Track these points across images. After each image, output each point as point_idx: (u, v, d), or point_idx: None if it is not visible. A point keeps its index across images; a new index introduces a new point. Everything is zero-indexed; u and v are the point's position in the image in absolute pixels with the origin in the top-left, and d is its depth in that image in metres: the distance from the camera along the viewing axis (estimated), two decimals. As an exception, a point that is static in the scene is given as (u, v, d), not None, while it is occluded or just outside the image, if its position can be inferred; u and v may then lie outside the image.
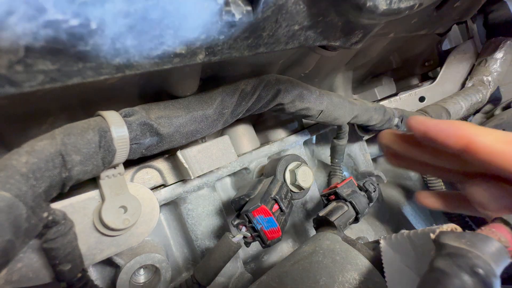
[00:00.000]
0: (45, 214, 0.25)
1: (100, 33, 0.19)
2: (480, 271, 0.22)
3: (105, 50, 0.20)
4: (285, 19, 0.27)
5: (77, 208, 0.31)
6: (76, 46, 0.19)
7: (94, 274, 0.40)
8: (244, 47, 0.27)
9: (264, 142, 0.59)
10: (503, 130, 0.59)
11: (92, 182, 0.33)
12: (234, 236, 0.36)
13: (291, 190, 0.45)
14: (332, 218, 0.46)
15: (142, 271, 0.42)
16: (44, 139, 0.25)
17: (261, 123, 0.61)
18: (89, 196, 0.32)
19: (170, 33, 0.22)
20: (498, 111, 0.67)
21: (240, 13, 0.24)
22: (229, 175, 0.53)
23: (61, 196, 0.29)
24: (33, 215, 0.24)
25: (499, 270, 0.23)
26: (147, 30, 0.21)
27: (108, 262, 0.39)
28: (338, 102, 0.48)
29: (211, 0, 0.22)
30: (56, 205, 0.30)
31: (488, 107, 0.72)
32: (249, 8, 0.24)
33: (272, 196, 0.38)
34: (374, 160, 0.92)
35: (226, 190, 0.54)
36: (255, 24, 0.25)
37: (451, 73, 0.74)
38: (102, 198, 0.32)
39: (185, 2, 0.21)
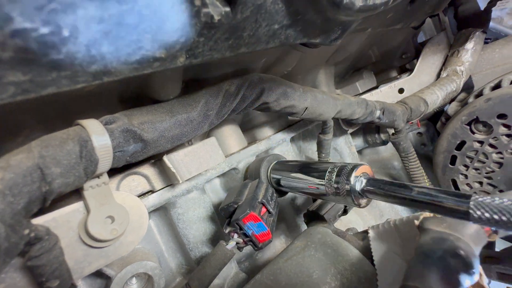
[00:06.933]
0: (26, 231, 0.24)
1: (74, 40, 0.19)
2: (461, 252, 0.24)
3: (80, 57, 0.19)
4: (264, 19, 0.27)
5: (61, 222, 0.30)
6: (49, 55, 0.18)
7: (84, 288, 0.38)
8: (225, 48, 0.27)
9: (252, 141, 0.60)
10: (477, 117, 0.62)
11: (76, 193, 0.32)
12: (227, 243, 0.37)
13: (276, 191, 0.46)
14: (322, 212, 0.47)
15: (134, 280, 0.41)
16: (20, 153, 0.24)
17: (248, 122, 0.61)
18: (73, 209, 0.31)
19: (148, 38, 0.22)
20: (471, 99, 0.70)
21: (218, 14, 0.23)
22: (218, 176, 0.53)
23: (43, 210, 0.28)
24: (13, 233, 0.22)
25: (478, 249, 0.25)
26: (124, 36, 0.20)
27: (98, 274, 0.38)
28: (321, 98, 0.49)
29: (188, 2, 0.22)
30: (38, 220, 0.28)
31: (462, 95, 0.76)
32: (228, 9, 0.24)
33: (259, 200, 0.39)
34: (360, 152, 0.95)
35: (216, 191, 0.54)
36: (235, 24, 0.25)
37: (427, 64, 0.77)
38: (87, 209, 0.31)
39: (161, 5, 0.21)
